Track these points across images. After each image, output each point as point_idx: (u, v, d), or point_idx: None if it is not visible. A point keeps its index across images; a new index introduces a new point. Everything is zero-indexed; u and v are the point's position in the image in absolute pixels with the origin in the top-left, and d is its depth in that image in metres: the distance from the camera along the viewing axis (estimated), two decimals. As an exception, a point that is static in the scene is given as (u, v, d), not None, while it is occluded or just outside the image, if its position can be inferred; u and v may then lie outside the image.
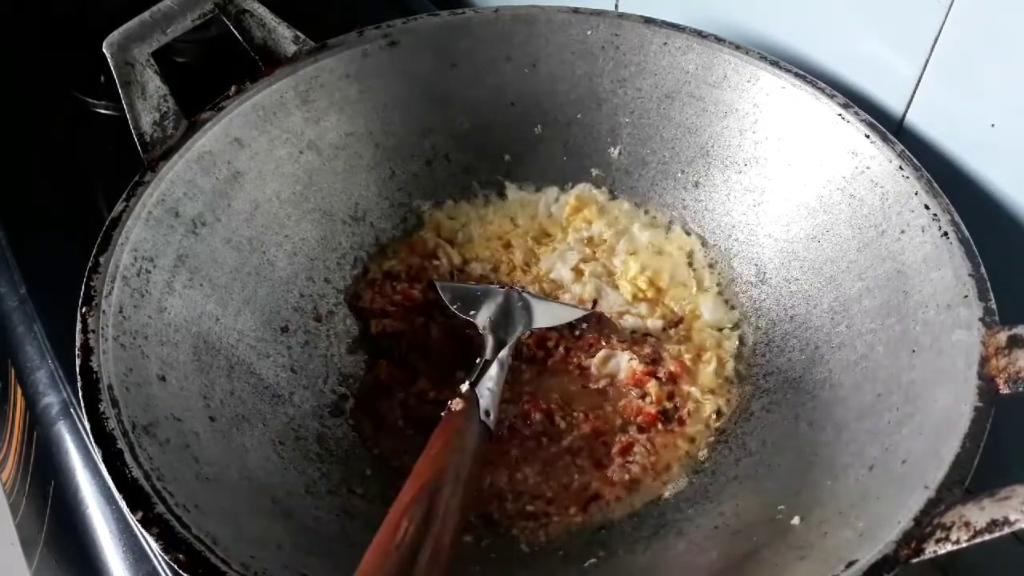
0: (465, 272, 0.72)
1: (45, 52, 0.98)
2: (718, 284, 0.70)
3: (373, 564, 0.44)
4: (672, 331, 0.68)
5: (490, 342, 0.63)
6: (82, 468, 0.67)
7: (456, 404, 0.56)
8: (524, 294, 0.68)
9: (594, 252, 0.72)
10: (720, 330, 0.67)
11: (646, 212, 0.74)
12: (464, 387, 0.57)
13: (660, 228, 0.73)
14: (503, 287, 0.68)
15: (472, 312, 0.66)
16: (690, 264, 0.71)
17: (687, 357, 0.65)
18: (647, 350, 0.66)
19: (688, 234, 0.72)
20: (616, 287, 0.70)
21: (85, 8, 0.86)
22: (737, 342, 0.66)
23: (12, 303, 0.78)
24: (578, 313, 0.67)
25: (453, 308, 0.67)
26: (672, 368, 0.65)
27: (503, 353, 0.61)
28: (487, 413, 0.56)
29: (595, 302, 0.69)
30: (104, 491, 0.65)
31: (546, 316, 0.66)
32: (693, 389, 0.64)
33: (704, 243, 0.71)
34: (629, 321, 0.68)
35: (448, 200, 0.75)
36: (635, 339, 0.67)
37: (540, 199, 0.75)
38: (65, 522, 0.66)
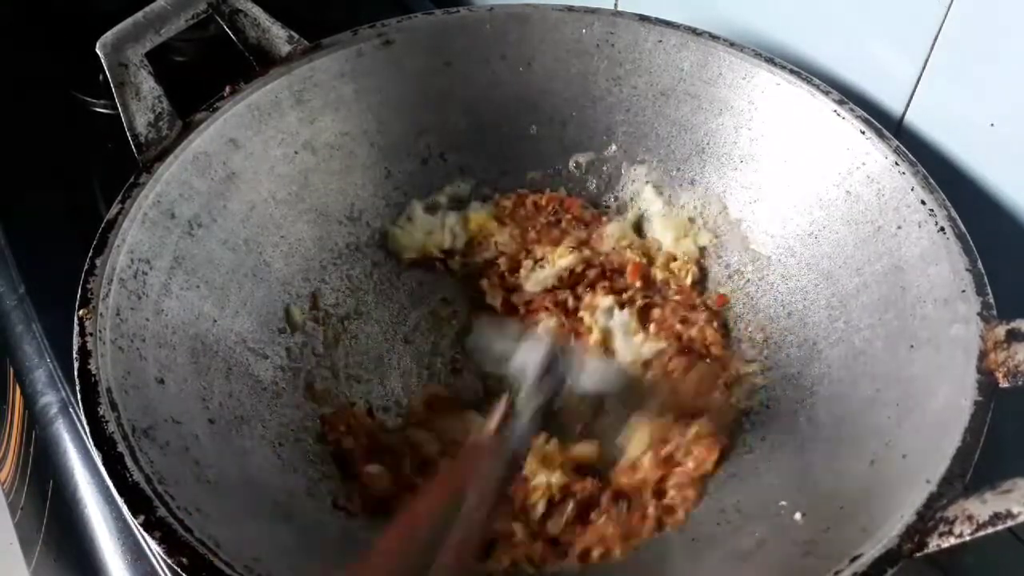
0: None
1: (44, 51, 0.97)
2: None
3: (396, 541, 0.45)
4: None
5: (526, 388, 0.56)
6: (81, 467, 0.66)
7: (496, 414, 0.54)
8: (570, 349, 0.63)
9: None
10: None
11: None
12: (488, 428, 0.54)
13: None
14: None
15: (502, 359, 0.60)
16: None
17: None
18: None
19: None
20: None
21: (84, 7, 0.85)
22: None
23: (11, 302, 0.77)
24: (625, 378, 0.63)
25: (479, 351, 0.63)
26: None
27: (533, 406, 0.55)
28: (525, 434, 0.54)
29: None
30: (103, 490, 0.65)
31: (592, 378, 0.61)
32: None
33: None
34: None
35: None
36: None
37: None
38: (64, 521, 0.66)
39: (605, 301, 0.67)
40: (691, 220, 0.72)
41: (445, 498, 0.48)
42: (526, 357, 0.58)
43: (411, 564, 0.44)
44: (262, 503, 0.53)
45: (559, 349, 0.59)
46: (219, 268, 0.62)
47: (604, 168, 0.75)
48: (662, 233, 0.72)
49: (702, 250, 0.71)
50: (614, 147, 0.74)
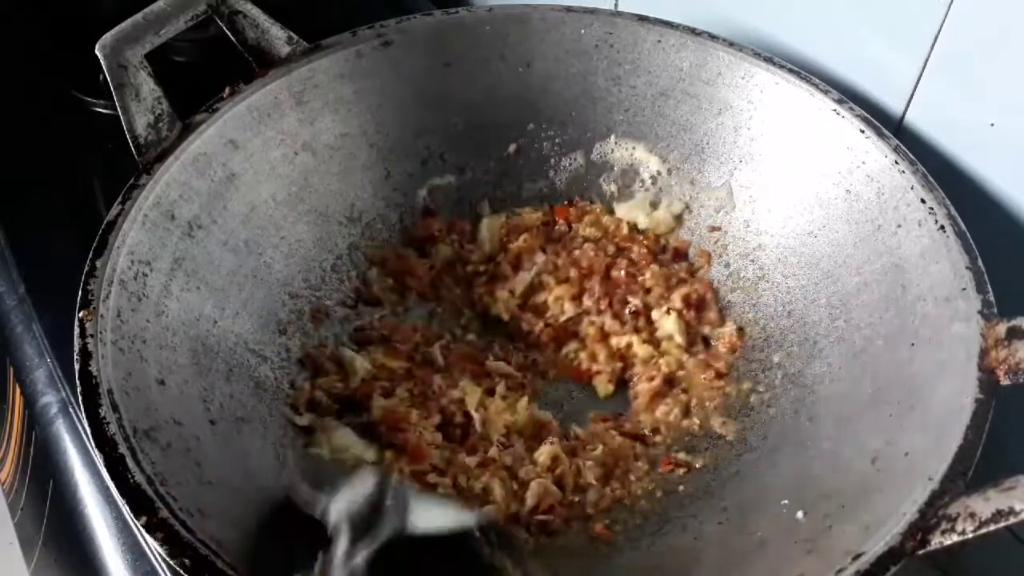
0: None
1: (45, 52, 0.97)
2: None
3: None
4: None
5: (344, 539, 0.46)
6: (81, 467, 0.66)
7: None
8: (402, 488, 0.51)
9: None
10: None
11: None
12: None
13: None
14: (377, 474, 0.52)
15: (325, 496, 0.49)
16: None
17: None
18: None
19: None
20: None
21: (84, 7, 0.85)
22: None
23: (11, 302, 0.77)
24: (468, 521, 0.50)
25: (298, 489, 0.50)
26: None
27: (360, 559, 0.46)
28: None
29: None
30: (103, 490, 0.64)
31: (428, 517, 0.49)
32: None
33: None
34: None
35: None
36: None
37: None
38: (64, 521, 0.66)
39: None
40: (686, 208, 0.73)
41: None
42: (347, 499, 0.48)
43: None
44: (264, 504, 0.53)
45: (388, 487, 0.50)
46: (219, 269, 0.62)
47: (604, 166, 0.75)
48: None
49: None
50: (613, 145, 0.74)
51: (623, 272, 0.69)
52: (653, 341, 0.67)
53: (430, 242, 0.73)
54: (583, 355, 0.68)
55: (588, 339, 0.68)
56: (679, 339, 0.66)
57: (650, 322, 0.68)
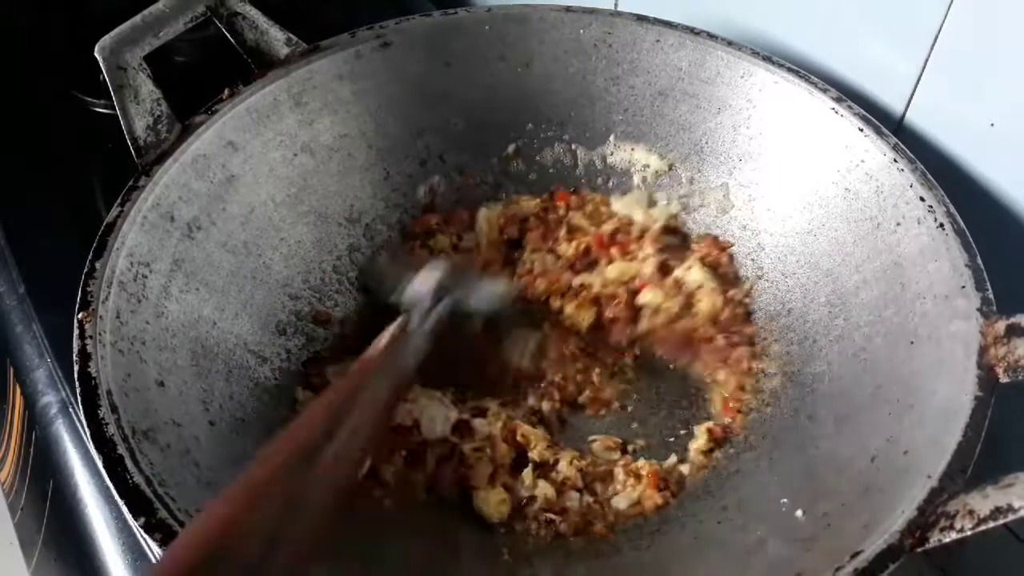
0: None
1: (45, 52, 0.97)
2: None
3: (274, 454, 0.45)
4: None
5: (418, 310, 0.59)
6: (81, 467, 0.66)
7: (388, 333, 0.56)
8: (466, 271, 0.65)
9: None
10: None
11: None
12: (377, 346, 0.56)
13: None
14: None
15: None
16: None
17: None
18: None
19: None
20: None
21: (84, 8, 0.85)
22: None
23: (11, 302, 0.77)
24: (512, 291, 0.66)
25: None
26: None
27: (429, 324, 0.58)
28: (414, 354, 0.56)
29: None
30: (103, 490, 0.65)
31: (482, 296, 0.63)
32: None
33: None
34: None
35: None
36: None
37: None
38: (64, 521, 0.66)
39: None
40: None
41: (329, 413, 0.48)
42: (420, 283, 0.61)
43: (292, 476, 0.44)
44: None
45: (453, 273, 0.62)
46: (219, 271, 0.62)
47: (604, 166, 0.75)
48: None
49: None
50: (612, 147, 0.74)
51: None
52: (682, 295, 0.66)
53: (429, 235, 0.73)
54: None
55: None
56: (712, 283, 0.65)
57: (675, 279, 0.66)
